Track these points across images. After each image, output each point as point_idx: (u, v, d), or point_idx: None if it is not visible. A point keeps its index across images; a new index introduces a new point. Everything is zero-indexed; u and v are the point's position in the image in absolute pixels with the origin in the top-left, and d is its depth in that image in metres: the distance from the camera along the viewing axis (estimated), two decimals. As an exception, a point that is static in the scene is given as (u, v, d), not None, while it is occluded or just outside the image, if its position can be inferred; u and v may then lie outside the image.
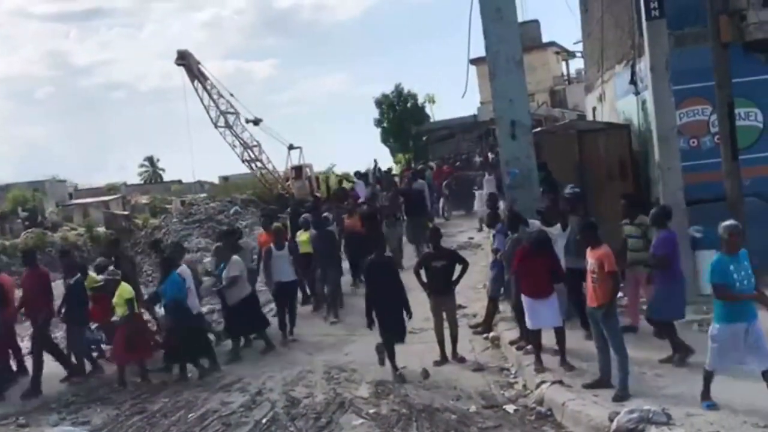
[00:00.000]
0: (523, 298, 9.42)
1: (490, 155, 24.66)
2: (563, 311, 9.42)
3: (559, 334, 9.21)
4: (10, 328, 11.52)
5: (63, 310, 11.68)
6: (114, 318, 11.27)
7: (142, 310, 11.94)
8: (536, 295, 9.20)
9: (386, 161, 48.34)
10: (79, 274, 11.92)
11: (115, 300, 11.08)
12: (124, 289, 11.05)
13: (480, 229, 20.10)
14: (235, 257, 12.02)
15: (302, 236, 14.58)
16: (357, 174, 27.73)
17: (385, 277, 10.10)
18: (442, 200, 24.77)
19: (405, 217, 18.91)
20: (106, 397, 10.51)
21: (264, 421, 8.70)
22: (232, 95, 47.68)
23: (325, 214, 16.49)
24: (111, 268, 11.92)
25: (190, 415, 9.19)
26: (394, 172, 30.91)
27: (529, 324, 9.41)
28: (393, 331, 10.00)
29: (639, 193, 12.35)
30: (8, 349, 11.47)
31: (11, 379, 11.33)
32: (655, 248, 8.95)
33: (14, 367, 11.67)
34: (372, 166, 32.39)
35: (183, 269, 11.59)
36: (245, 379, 10.63)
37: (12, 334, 11.61)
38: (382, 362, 10.20)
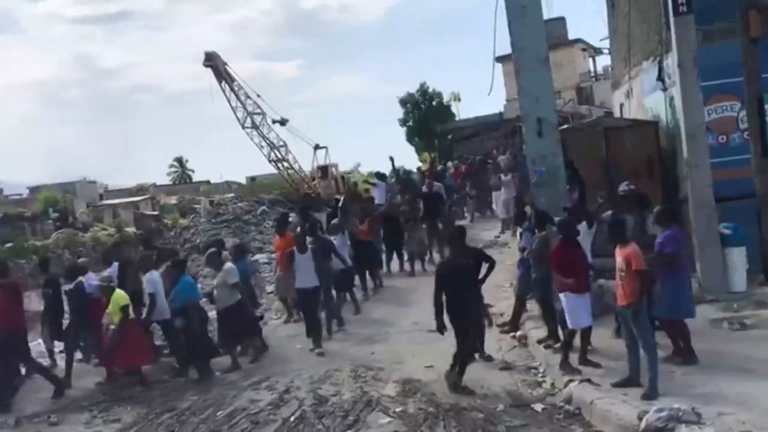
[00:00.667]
0: (566, 295, 9.17)
1: (505, 157, 23.75)
2: (592, 310, 9.33)
3: (587, 332, 9.16)
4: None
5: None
6: (110, 326, 11.16)
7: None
8: (580, 289, 9.09)
9: (411, 160, 48.38)
10: (80, 278, 11.90)
11: (110, 308, 11.03)
12: (119, 296, 11.00)
13: (502, 232, 19.76)
14: (228, 264, 11.98)
15: None
16: (377, 174, 27.27)
17: (460, 282, 9.29)
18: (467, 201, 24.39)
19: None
20: (136, 395, 10.64)
21: (292, 419, 8.75)
22: (258, 96, 47.99)
23: (335, 220, 16.06)
24: (105, 274, 11.98)
25: (218, 413, 9.27)
26: (421, 168, 29.99)
27: (572, 323, 9.19)
28: (471, 341, 9.30)
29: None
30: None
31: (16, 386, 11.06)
32: (662, 246, 8.83)
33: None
34: (397, 165, 32.25)
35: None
36: (273, 377, 10.70)
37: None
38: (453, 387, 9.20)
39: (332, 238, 14.27)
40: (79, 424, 9.62)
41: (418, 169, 30.31)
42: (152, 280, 11.51)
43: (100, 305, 11.51)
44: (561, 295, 9.23)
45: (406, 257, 17.36)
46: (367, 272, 15.79)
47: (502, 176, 20.40)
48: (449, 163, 30.09)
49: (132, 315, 11.10)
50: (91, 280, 12.04)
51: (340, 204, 18.07)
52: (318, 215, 19.13)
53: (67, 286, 12.03)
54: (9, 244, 43.55)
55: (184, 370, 11.37)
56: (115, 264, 12.71)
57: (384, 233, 17.10)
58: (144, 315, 11.51)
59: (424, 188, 19.20)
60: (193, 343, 11.21)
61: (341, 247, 14.12)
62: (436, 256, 16.58)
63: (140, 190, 75.21)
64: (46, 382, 11.19)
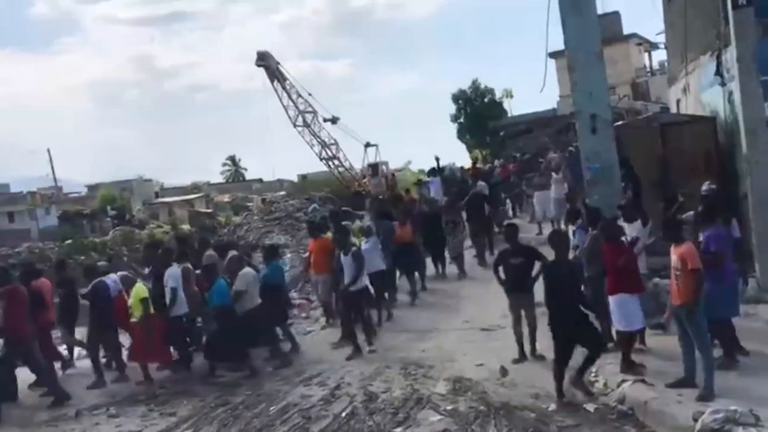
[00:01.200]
0: (617, 296, 8.95)
1: (556, 155, 23.12)
2: (646, 310, 9.17)
3: (634, 336, 9.00)
4: (47, 332, 11.82)
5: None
6: (132, 319, 11.38)
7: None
8: (633, 289, 8.93)
9: (462, 158, 48.17)
10: (100, 279, 12.00)
11: (130, 301, 11.23)
12: (139, 289, 11.20)
13: (539, 233, 18.07)
14: (243, 271, 11.77)
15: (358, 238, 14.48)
16: (431, 171, 26.93)
17: (568, 285, 8.84)
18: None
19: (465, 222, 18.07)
20: (190, 389, 10.84)
21: (343, 415, 8.81)
22: (310, 95, 48.54)
23: (368, 224, 15.91)
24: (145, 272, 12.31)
25: (271, 408, 9.39)
26: (464, 167, 29.21)
27: (620, 325, 9.04)
28: (588, 344, 8.72)
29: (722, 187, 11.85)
30: (44, 352, 11.29)
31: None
32: (706, 245, 8.62)
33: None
34: (450, 164, 31.88)
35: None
36: (324, 373, 10.80)
37: (48, 338, 11.90)
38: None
39: (363, 242, 13.73)
40: (136, 416, 9.84)
41: (461, 168, 29.70)
42: (173, 274, 11.61)
43: (121, 305, 11.80)
44: (609, 297, 9.09)
45: (448, 260, 16.85)
46: (408, 276, 15.19)
47: (554, 174, 19.76)
48: (496, 161, 29.74)
49: (152, 310, 11.30)
50: (109, 280, 12.17)
51: (367, 206, 17.99)
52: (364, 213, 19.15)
53: (84, 289, 12.11)
54: (68, 241, 44.75)
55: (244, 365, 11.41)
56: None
57: (423, 234, 16.36)
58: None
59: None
60: (215, 345, 11.29)
61: (372, 251, 13.31)
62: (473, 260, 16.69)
63: (195, 188, 76.46)
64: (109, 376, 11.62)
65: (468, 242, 17.74)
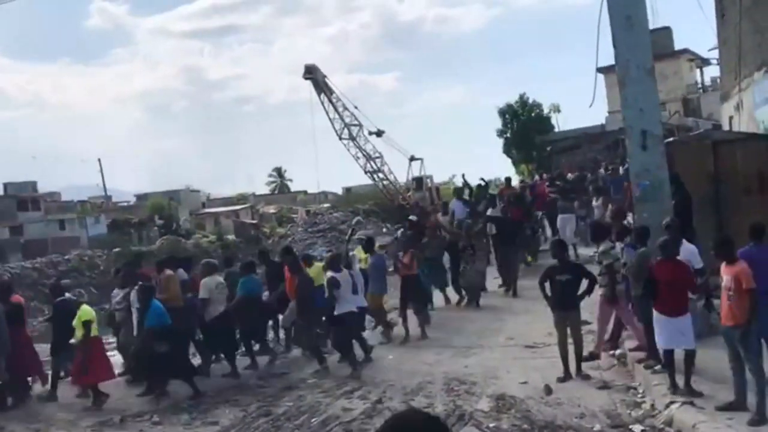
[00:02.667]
0: (654, 314, 8.91)
1: (602, 173, 22.14)
2: (696, 330, 8.95)
3: (690, 356, 8.73)
4: (29, 346, 11.84)
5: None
6: (71, 340, 11.29)
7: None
8: (669, 312, 8.78)
9: (508, 172, 47.86)
10: (65, 296, 12.29)
11: (74, 321, 11.13)
12: (84, 312, 11.17)
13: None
14: (205, 279, 12.27)
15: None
16: (456, 190, 24.25)
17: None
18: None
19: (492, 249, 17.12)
20: (233, 398, 10.90)
21: (384, 429, 8.73)
22: (356, 107, 48.79)
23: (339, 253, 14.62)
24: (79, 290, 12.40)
25: (313, 420, 9.38)
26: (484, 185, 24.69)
27: (659, 343, 8.93)
28: None
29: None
30: (27, 365, 11.58)
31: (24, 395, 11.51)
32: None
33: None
34: (495, 179, 30.99)
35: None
36: (366, 386, 10.76)
37: (32, 352, 11.88)
38: None
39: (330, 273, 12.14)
40: (179, 424, 9.92)
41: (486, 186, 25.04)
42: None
43: None
44: (655, 315, 8.89)
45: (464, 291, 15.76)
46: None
47: (593, 200, 18.71)
48: (536, 177, 28.89)
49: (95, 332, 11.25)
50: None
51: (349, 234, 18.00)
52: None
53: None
54: (116, 249, 45.59)
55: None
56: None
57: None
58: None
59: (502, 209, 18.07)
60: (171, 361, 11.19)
61: (345, 285, 11.92)
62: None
63: (241, 199, 77.36)
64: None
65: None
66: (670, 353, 8.79)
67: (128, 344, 12.12)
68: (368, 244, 14.68)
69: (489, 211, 18.81)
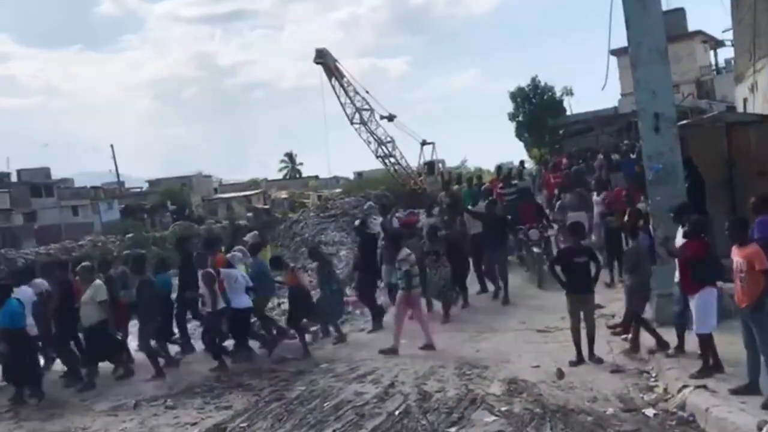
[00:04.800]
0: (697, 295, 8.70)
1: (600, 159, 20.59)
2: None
3: (705, 340, 8.61)
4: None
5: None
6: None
7: None
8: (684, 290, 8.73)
9: (520, 156, 47.70)
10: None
11: None
12: None
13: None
14: (97, 281, 11.75)
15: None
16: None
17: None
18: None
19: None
20: (246, 383, 10.96)
21: (396, 413, 8.77)
22: (367, 92, 48.71)
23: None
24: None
25: (325, 404, 9.42)
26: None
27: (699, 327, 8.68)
28: None
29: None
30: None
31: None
32: (760, 232, 8.30)
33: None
34: (508, 163, 30.30)
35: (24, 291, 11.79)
36: (379, 370, 10.79)
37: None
38: None
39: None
40: (193, 408, 9.97)
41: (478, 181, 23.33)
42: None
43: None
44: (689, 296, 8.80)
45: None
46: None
47: (594, 195, 16.58)
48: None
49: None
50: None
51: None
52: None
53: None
54: (129, 235, 45.81)
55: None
56: None
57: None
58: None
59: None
60: (23, 366, 11.05)
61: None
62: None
63: (253, 184, 77.55)
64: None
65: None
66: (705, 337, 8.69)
67: None
68: (252, 249, 14.20)
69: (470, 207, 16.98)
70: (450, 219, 15.96)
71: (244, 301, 12.19)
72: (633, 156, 18.92)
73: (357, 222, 17.87)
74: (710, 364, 8.52)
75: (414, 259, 12.00)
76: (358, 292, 14.95)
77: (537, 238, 15.52)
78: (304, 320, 12.98)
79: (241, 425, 8.97)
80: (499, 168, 25.98)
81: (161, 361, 12.07)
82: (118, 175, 73.34)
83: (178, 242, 15.50)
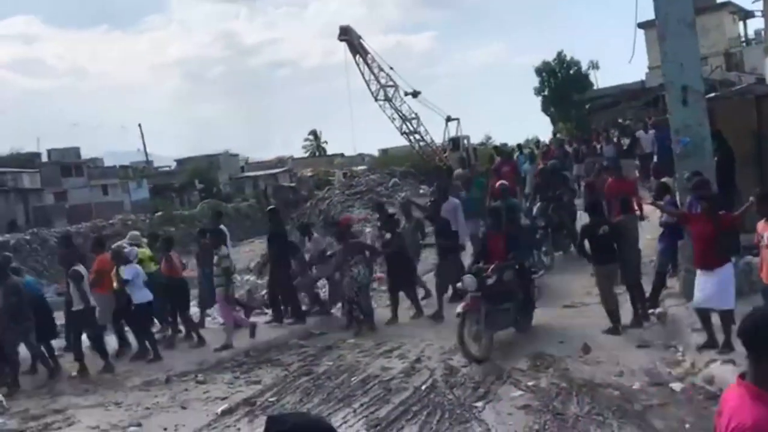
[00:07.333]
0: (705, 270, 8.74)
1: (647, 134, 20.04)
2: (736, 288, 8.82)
3: (727, 317, 8.55)
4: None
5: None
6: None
7: None
8: (702, 266, 8.70)
9: (546, 131, 47.31)
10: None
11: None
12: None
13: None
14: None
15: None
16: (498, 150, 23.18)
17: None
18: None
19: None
20: (275, 358, 11.11)
21: (423, 387, 8.86)
22: (391, 68, 48.38)
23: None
24: None
25: (352, 379, 9.54)
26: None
27: (694, 299, 8.84)
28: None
29: None
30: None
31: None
32: None
33: None
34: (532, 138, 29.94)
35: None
36: (405, 346, 10.88)
37: None
38: None
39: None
40: (223, 383, 10.16)
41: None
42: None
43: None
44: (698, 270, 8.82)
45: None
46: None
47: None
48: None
49: None
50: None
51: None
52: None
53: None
54: (158, 213, 46.29)
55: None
56: None
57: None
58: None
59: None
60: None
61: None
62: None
63: (279, 162, 77.75)
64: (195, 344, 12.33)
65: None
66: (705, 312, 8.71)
67: None
68: (165, 244, 13.50)
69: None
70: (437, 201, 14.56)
71: (145, 296, 11.82)
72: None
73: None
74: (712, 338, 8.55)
75: None
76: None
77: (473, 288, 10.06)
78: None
79: (270, 399, 9.13)
80: (496, 148, 25.45)
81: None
82: (146, 154, 73.94)
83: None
